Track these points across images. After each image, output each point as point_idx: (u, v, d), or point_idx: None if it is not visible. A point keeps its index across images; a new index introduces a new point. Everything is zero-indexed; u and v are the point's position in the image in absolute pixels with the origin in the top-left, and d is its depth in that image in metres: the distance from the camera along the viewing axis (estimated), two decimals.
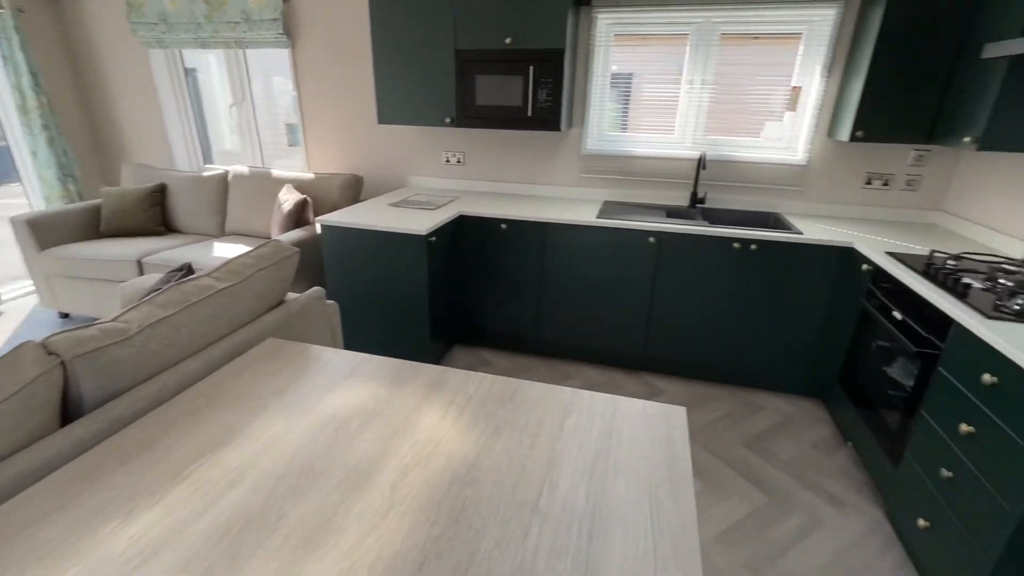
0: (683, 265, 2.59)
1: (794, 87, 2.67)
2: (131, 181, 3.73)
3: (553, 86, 2.64)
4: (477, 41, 2.69)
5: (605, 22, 2.86)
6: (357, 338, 2.83)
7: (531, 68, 2.64)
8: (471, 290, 2.99)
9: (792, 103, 2.69)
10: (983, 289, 1.73)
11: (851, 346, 2.31)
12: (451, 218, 2.72)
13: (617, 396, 1.22)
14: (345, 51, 3.31)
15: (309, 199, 3.16)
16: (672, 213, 2.97)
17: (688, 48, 2.81)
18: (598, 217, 2.67)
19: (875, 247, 2.23)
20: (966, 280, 1.78)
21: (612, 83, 2.99)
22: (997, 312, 1.54)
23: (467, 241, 2.87)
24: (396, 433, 1.07)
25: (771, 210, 2.93)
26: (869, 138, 2.41)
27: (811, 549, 1.82)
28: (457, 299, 3.02)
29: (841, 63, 2.61)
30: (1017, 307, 1.56)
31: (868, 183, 2.77)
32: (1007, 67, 1.89)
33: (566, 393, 1.23)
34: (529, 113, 2.71)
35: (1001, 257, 1.99)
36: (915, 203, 2.75)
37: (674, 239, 2.56)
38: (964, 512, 1.46)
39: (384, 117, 3.00)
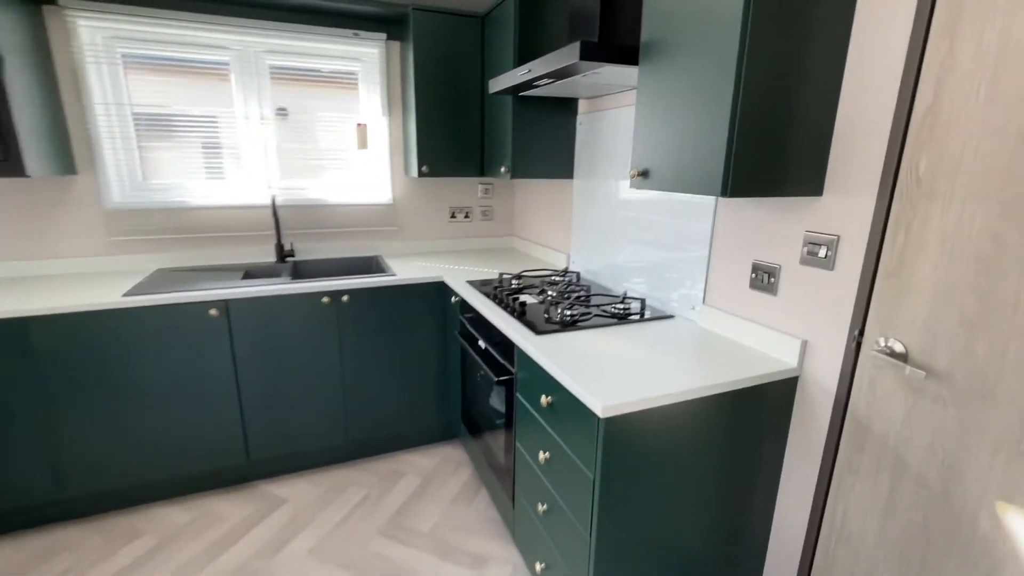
0: (267, 336, 2.04)
1: (359, 124, 2.52)
2: None
3: None
4: None
5: (96, 34, 2.09)
6: None
7: None
8: None
9: (362, 140, 2.53)
10: (537, 303, 1.79)
11: (463, 381, 2.21)
12: None
13: None
14: None
15: None
16: (254, 273, 2.40)
17: (233, 80, 2.32)
18: (127, 295, 1.84)
19: (459, 277, 2.20)
20: (523, 298, 1.82)
21: (147, 119, 2.22)
22: (545, 326, 1.55)
23: None
24: None
25: (373, 254, 2.72)
26: (435, 173, 2.43)
27: None
28: None
29: (399, 102, 2.60)
30: (559, 316, 1.62)
31: (453, 216, 2.87)
32: (513, 98, 2.10)
33: None
34: None
35: (550, 270, 2.20)
36: (493, 231, 3.00)
37: (245, 306, 1.98)
38: (563, 546, 1.36)
39: None
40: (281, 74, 2.40)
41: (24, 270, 2.15)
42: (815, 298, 1.26)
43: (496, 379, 1.64)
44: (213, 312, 1.92)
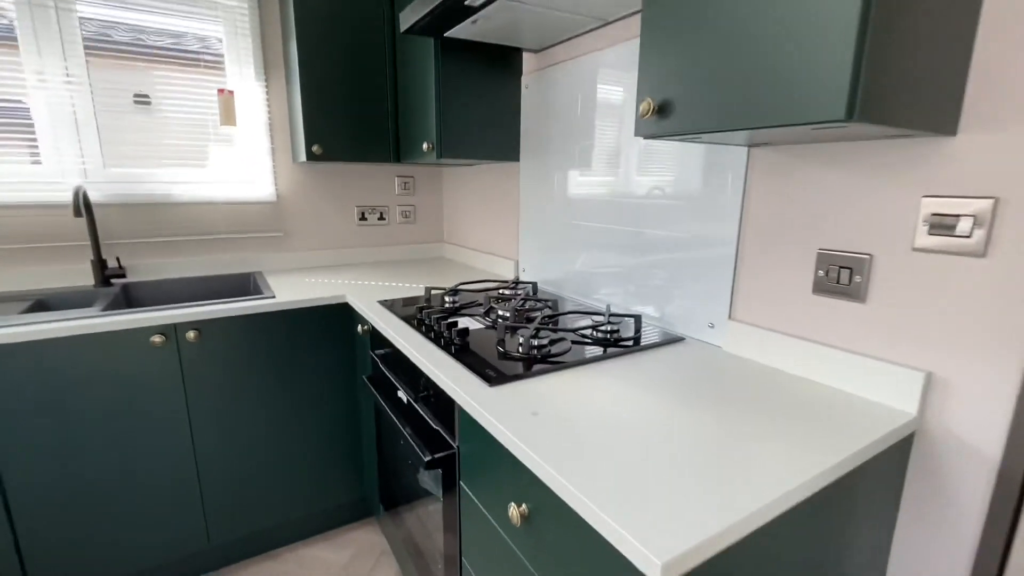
0: (53, 403, 1.28)
1: (221, 91, 1.81)
2: None
3: None
4: None
5: None
6: None
7: None
8: None
9: (227, 113, 1.83)
10: (484, 328, 1.20)
11: (379, 442, 1.56)
12: None
13: None
14: None
15: None
16: (52, 304, 1.60)
17: (16, 20, 1.55)
18: None
19: (368, 295, 1.56)
20: (463, 322, 1.23)
21: None
22: (501, 366, 0.96)
23: None
24: None
25: (249, 270, 1.99)
26: (331, 155, 1.78)
27: None
28: None
29: (280, 63, 1.93)
30: (522, 349, 1.04)
31: (362, 218, 2.21)
32: (435, 44, 1.52)
33: None
34: None
35: (496, 282, 1.63)
36: (418, 237, 2.37)
37: (7, 355, 1.21)
38: None
39: None
40: (127, 50, 1.66)
41: None
42: (946, 305, 0.77)
43: (427, 459, 1.02)
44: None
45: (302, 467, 1.66)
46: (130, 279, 1.78)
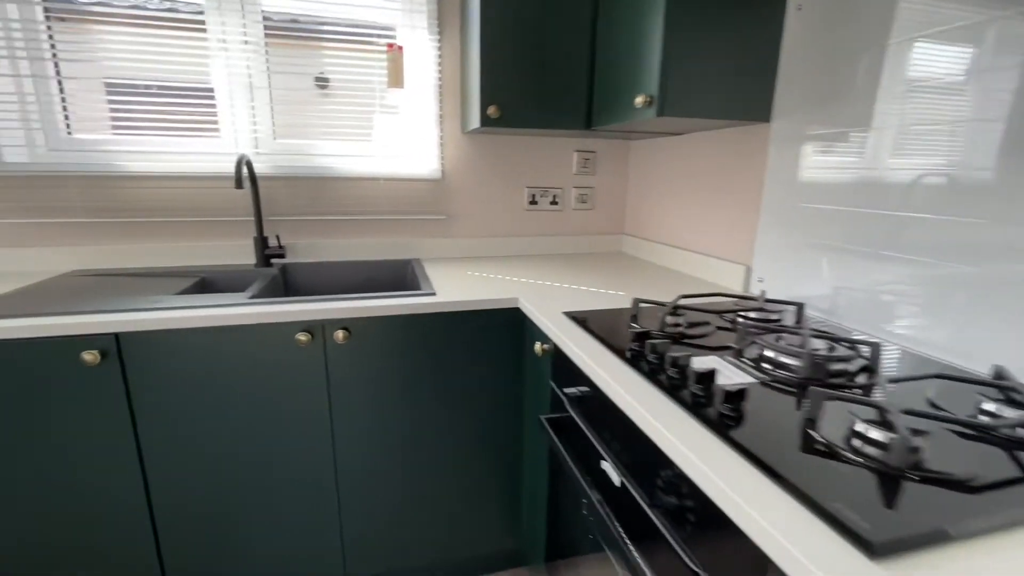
0: (190, 402, 1.11)
1: (390, 46, 1.56)
2: None
3: None
4: None
5: None
6: None
7: None
8: None
9: (395, 74, 1.57)
10: (753, 381, 0.72)
11: (552, 493, 1.18)
12: None
13: None
14: None
15: None
16: (215, 284, 1.49)
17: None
18: None
19: (548, 303, 1.17)
20: (710, 364, 0.76)
21: (61, 17, 1.39)
22: (851, 489, 0.48)
23: None
24: None
25: (406, 256, 1.75)
26: (509, 120, 1.42)
27: None
28: None
29: (457, 16, 1.62)
30: (875, 455, 0.54)
31: (533, 202, 1.84)
32: None
33: None
34: None
35: (729, 295, 1.12)
36: (595, 226, 1.94)
37: (147, 347, 1.06)
38: None
39: None
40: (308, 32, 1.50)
41: None
42: None
43: None
44: (88, 357, 1.01)
45: (449, 501, 1.35)
46: (288, 259, 1.63)
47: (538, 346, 1.10)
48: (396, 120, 1.69)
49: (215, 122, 1.56)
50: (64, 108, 1.47)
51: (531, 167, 1.81)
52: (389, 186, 1.69)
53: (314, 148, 1.64)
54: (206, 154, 1.55)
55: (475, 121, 1.45)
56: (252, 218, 1.60)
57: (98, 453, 1.08)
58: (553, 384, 1.06)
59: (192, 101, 1.54)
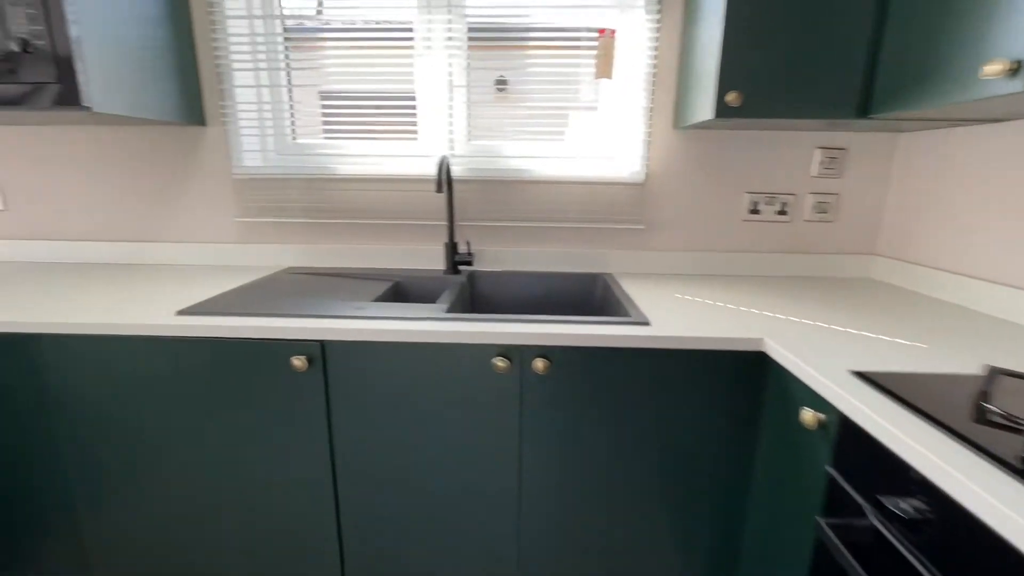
0: (386, 415, 1.05)
1: (602, 32, 1.37)
2: None
3: (42, 8, 1.06)
4: None
5: None
6: None
7: None
8: None
9: (604, 62, 1.38)
10: None
11: None
12: None
13: None
14: None
15: None
16: (407, 290, 1.46)
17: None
18: (182, 312, 1.05)
19: (818, 352, 0.86)
20: None
21: (294, 39, 1.50)
22: None
23: None
24: None
25: (597, 270, 1.55)
26: (752, 108, 1.12)
27: None
28: None
29: None
30: None
31: (754, 211, 1.51)
32: None
33: None
34: None
35: None
36: (834, 243, 1.53)
37: (350, 356, 1.02)
38: None
39: None
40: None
41: (156, 255, 1.60)
42: None
43: None
44: (297, 363, 1.00)
45: (638, 565, 1.12)
46: (475, 267, 1.55)
47: (809, 415, 0.80)
48: (594, 118, 1.50)
49: (414, 124, 1.54)
50: (291, 115, 1.57)
51: (756, 169, 1.47)
52: (582, 190, 1.51)
53: (506, 149, 1.53)
54: (405, 157, 1.54)
55: (703, 112, 1.19)
56: (443, 222, 1.54)
57: (295, 457, 1.08)
58: (834, 473, 0.76)
59: (394, 103, 1.53)
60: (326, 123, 1.57)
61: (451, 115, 1.51)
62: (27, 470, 1.12)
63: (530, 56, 1.46)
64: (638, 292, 1.28)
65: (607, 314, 1.33)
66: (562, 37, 1.43)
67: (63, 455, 1.10)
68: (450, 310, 1.11)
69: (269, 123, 1.55)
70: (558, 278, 1.50)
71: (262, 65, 1.50)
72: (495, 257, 1.55)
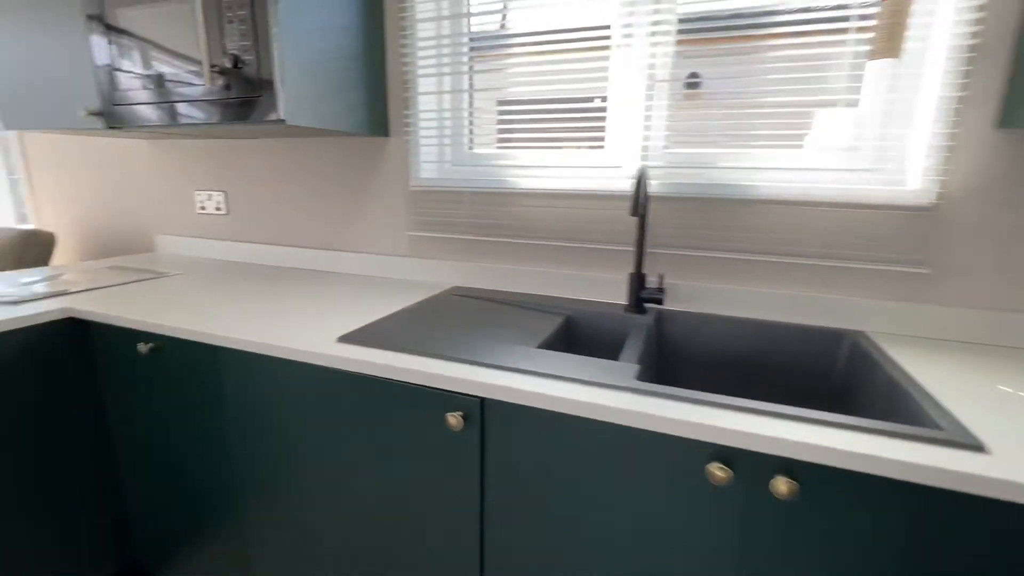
0: (551, 505, 0.82)
1: None
2: None
3: (251, 23, 1.07)
4: None
5: None
6: None
7: None
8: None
9: (890, 36, 0.96)
10: None
11: None
12: (31, 324, 1.11)
13: None
14: None
15: None
16: (579, 325, 1.22)
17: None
18: (342, 340, 0.97)
19: None
20: None
21: (478, 47, 1.39)
22: None
23: (78, 373, 1.24)
24: None
25: (842, 325, 1.12)
26: None
27: None
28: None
29: None
30: None
31: None
32: None
33: None
34: (208, 82, 1.13)
35: None
36: None
37: (511, 419, 0.81)
38: None
39: (11, 120, 1.53)
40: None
41: (335, 263, 1.64)
42: None
43: None
44: (452, 420, 0.83)
45: None
46: (667, 307, 1.24)
47: None
48: (853, 116, 1.08)
49: (600, 131, 1.30)
50: (470, 122, 1.45)
51: None
52: (826, 215, 1.10)
53: (718, 159, 1.20)
54: (589, 169, 1.31)
55: None
56: (627, 247, 1.27)
57: (441, 529, 0.92)
58: None
59: (577, 108, 1.31)
60: (502, 131, 1.42)
61: (648, 116, 1.23)
62: (203, 471, 1.16)
63: (758, 46, 1.10)
64: (929, 374, 0.85)
65: (873, 402, 0.91)
66: (811, 19, 1.05)
67: (234, 461, 1.11)
68: (642, 374, 0.84)
69: (448, 132, 1.45)
70: (781, 331, 1.12)
71: (446, 70, 1.40)
72: (692, 294, 1.23)
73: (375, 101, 1.40)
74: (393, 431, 0.91)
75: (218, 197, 1.79)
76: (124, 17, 1.20)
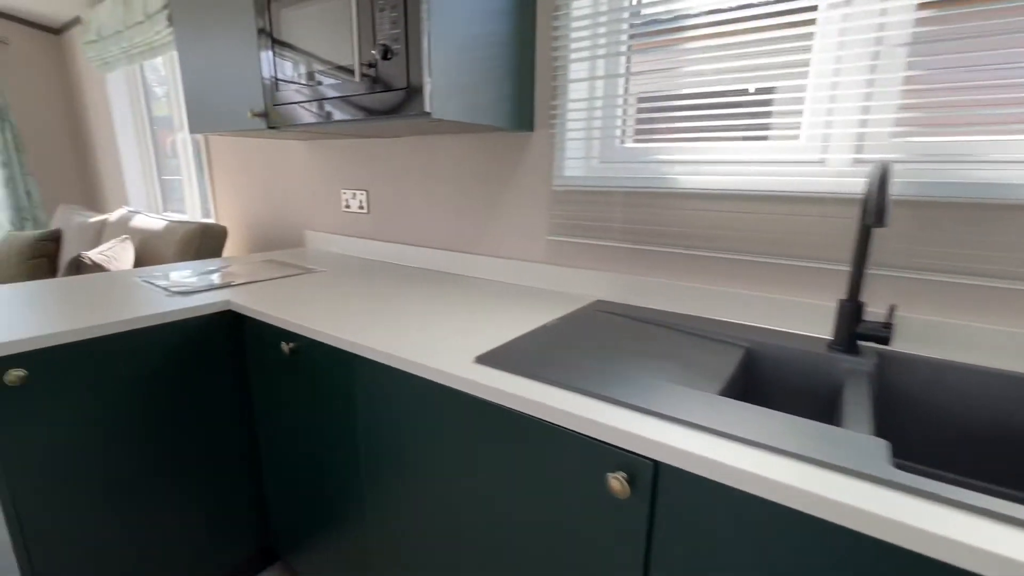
0: None
1: None
2: (64, 225, 3.05)
3: (403, 9, 0.99)
4: None
5: None
6: None
7: None
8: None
9: None
10: None
11: None
12: (198, 314, 1.17)
13: None
14: None
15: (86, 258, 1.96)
16: (767, 363, 0.97)
17: None
18: (479, 360, 0.85)
19: None
20: None
21: (649, 23, 1.19)
22: None
23: (232, 361, 1.29)
24: None
25: None
26: None
27: None
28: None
29: None
30: None
31: None
32: None
33: None
34: (357, 77, 1.08)
35: None
36: None
37: (699, 492, 0.60)
38: None
39: (195, 125, 1.68)
40: None
41: (474, 267, 1.56)
42: None
43: None
44: (616, 484, 0.65)
45: None
46: (892, 347, 0.94)
47: None
48: None
49: (797, 114, 1.02)
50: (623, 111, 1.26)
51: None
52: None
53: (983, 150, 0.86)
54: (772, 164, 1.05)
55: None
56: (838, 266, 0.99)
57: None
58: None
59: (751, 97, 1.04)
60: (647, 124, 1.21)
61: (869, 95, 0.93)
62: (332, 469, 1.12)
63: None
64: None
65: None
66: None
67: (361, 466, 1.05)
68: (896, 459, 0.59)
69: (598, 124, 1.28)
70: None
71: (600, 51, 1.22)
72: (923, 332, 0.91)
73: (522, 92, 1.27)
74: (535, 474, 0.76)
75: (361, 196, 1.82)
76: (285, 20, 1.21)
